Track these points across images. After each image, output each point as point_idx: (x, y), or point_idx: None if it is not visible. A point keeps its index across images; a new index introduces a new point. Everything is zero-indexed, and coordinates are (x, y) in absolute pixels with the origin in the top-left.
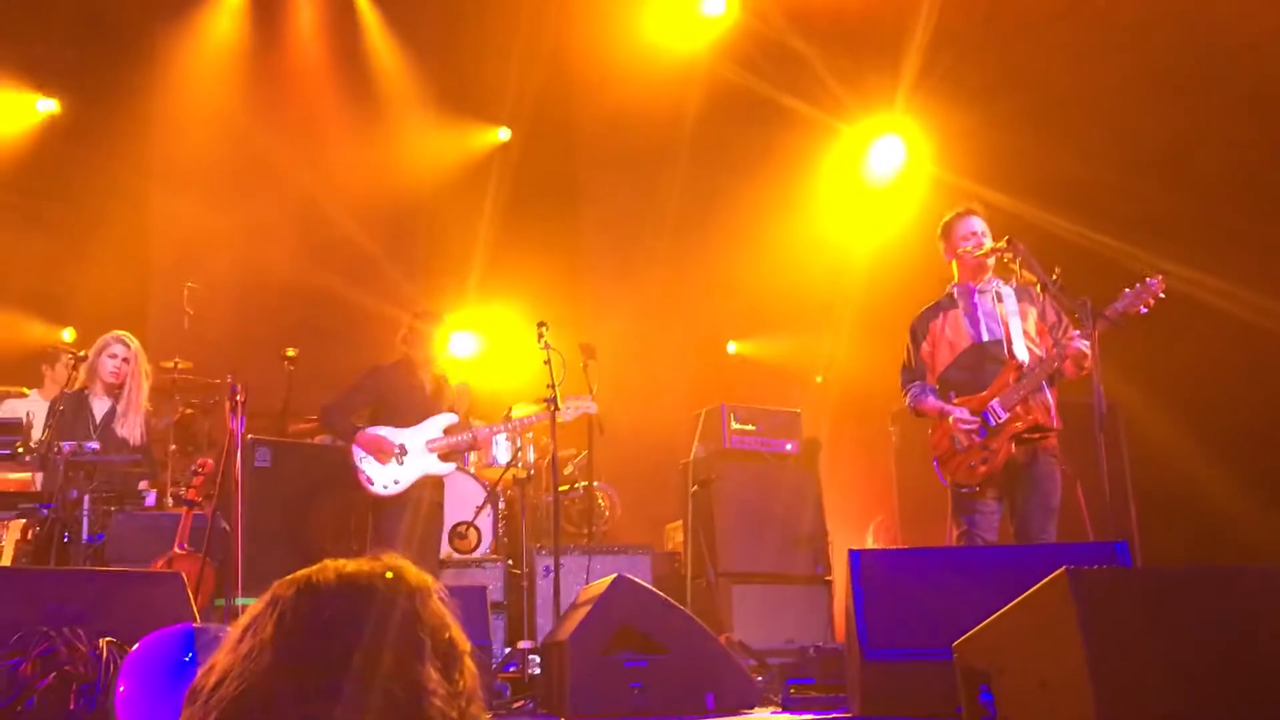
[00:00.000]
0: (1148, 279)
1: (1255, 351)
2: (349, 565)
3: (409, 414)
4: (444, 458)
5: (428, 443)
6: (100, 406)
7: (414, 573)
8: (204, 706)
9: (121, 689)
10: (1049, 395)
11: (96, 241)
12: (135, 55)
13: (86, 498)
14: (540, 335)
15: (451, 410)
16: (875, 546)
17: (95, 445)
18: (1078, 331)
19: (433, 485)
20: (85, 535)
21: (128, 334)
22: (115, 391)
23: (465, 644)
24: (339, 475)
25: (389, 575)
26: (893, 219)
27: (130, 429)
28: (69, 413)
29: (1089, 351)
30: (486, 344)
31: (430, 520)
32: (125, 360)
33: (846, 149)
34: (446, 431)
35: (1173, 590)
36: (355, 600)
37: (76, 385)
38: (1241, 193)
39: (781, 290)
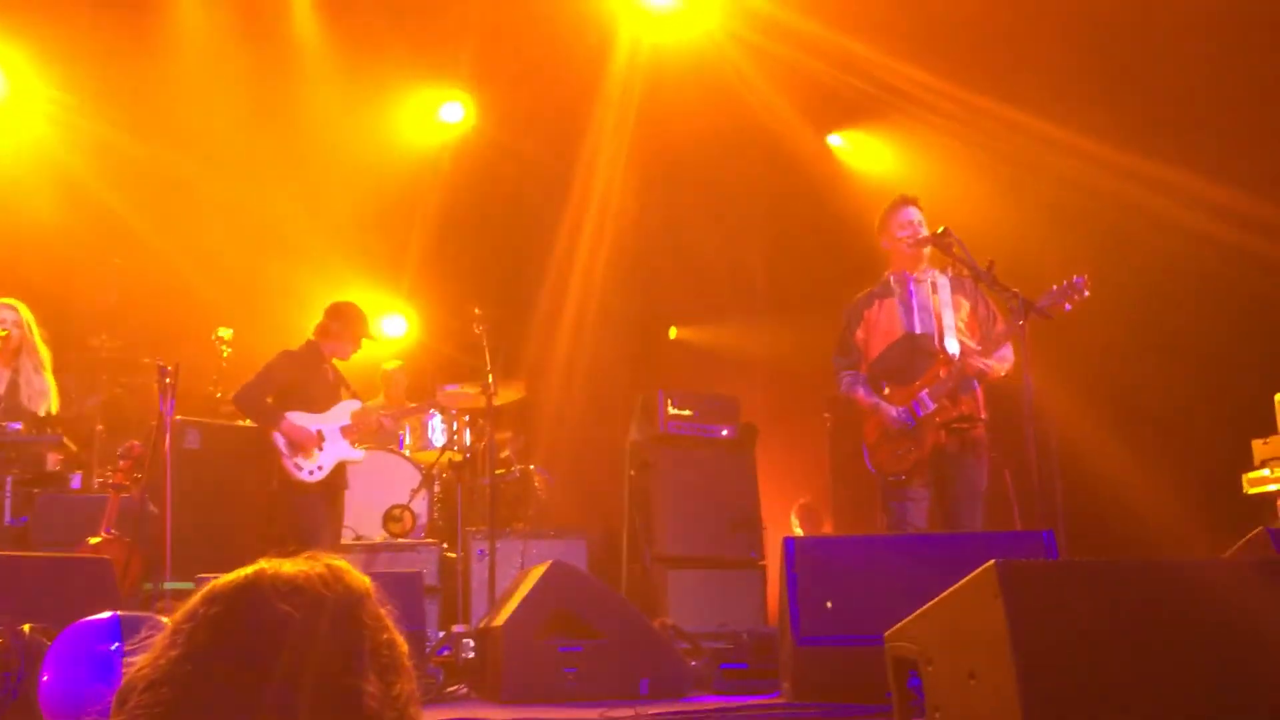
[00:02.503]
0: (1074, 277)
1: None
2: (287, 566)
3: (317, 399)
4: (356, 444)
5: (341, 429)
6: (1, 378)
7: (353, 575)
8: (134, 710)
9: (45, 678)
10: (978, 388)
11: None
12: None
13: (9, 479)
14: (476, 319)
15: (353, 396)
16: (798, 529)
17: (18, 425)
18: (994, 336)
19: (342, 470)
20: (8, 518)
21: (15, 300)
22: (11, 361)
23: (404, 646)
24: (270, 458)
25: (328, 577)
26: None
27: (36, 399)
28: None
29: (988, 370)
30: (418, 324)
31: (341, 506)
32: (16, 325)
33: None
34: (354, 418)
35: (1101, 584)
36: (295, 603)
37: None
38: None
39: (720, 276)
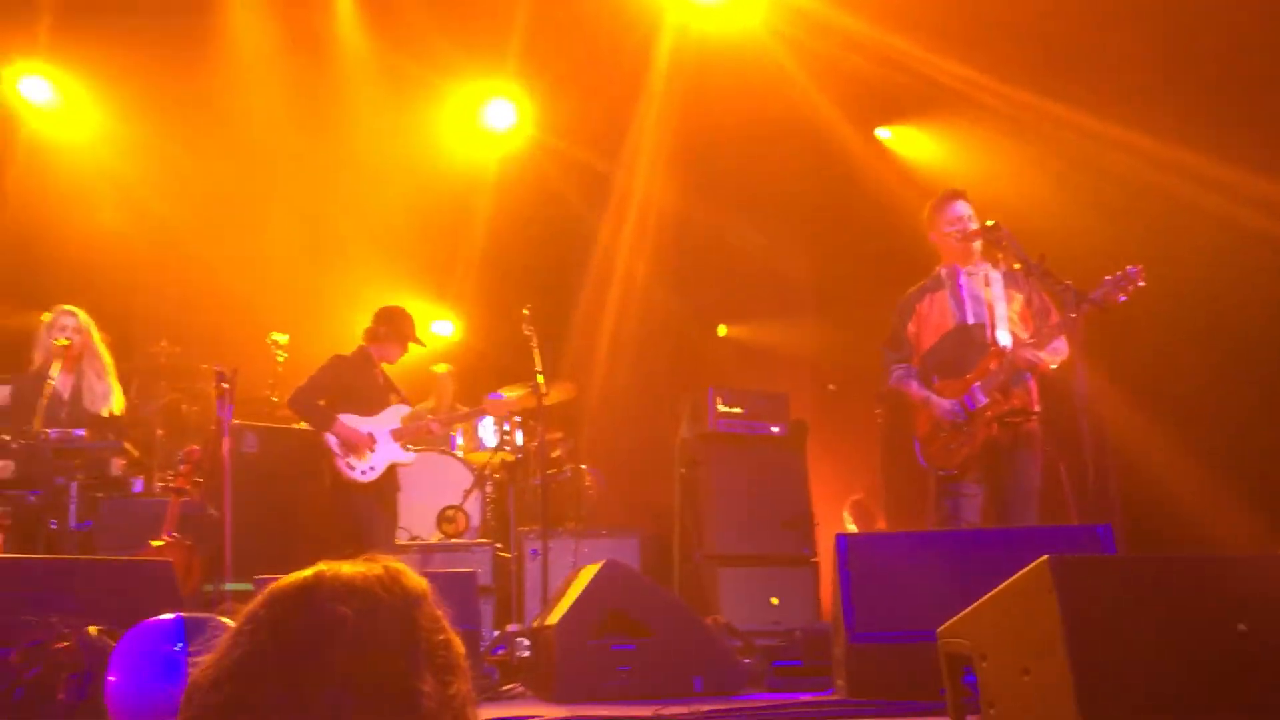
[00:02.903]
0: (1128, 268)
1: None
2: (346, 568)
3: (368, 403)
4: (406, 447)
5: (391, 432)
6: (65, 383)
7: (410, 577)
8: (199, 709)
9: (111, 679)
10: (1030, 380)
11: (79, 224)
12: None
13: (74, 485)
14: (525, 320)
15: (403, 401)
16: (851, 525)
17: (83, 432)
18: (1047, 329)
19: (394, 473)
20: (73, 522)
21: (75, 307)
22: (74, 367)
23: (460, 647)
24: (324, 460)
25: (386, 580)
26: None
27: (98, 401)
28: (30, 395)
29: (1041, 363)
30: (466, 327)
31: (393, 507)
32: (77, 331)
33: None
34: (403, 422)
35: (1156, 579)
36: (353, 605)
37: (34, 367)
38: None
39: (766, 272)
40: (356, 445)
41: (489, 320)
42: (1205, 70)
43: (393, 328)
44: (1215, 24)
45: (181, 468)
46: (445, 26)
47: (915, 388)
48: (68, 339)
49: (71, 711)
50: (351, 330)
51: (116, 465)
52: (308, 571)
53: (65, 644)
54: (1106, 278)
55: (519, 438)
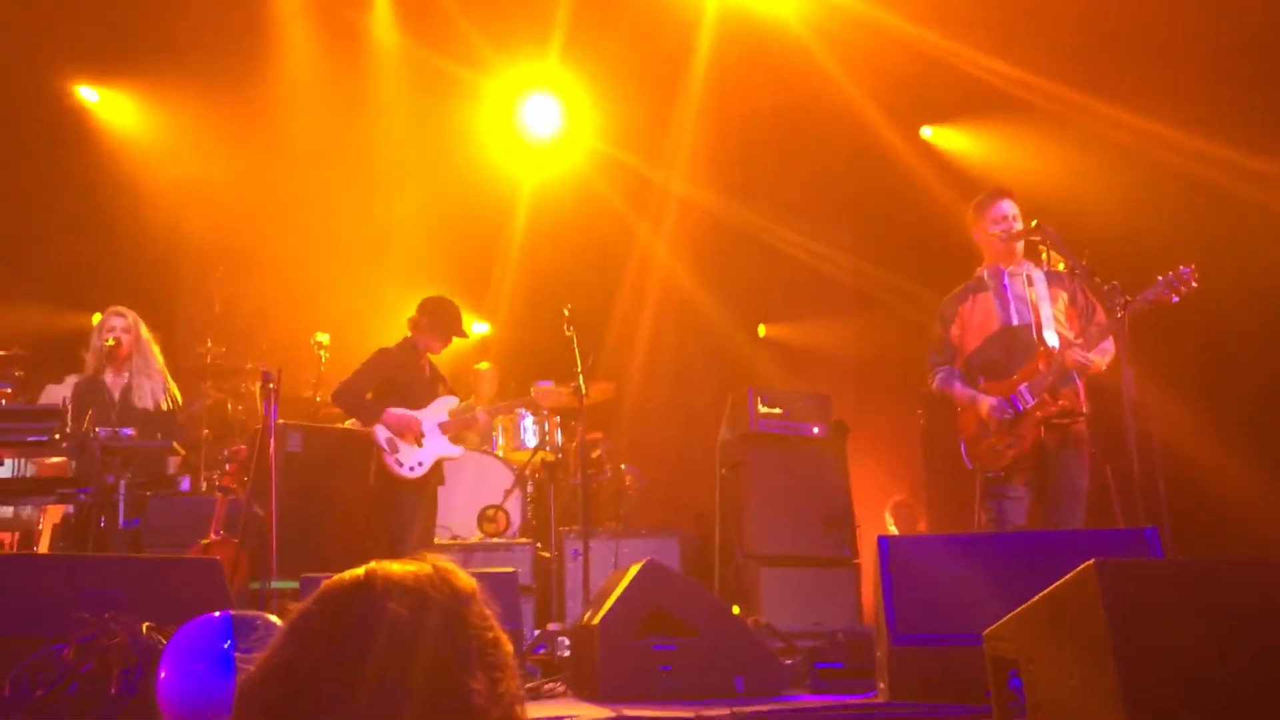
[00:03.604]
0: (1180, 268)
1: None
2: (396, 567)
3: (416, 396)
4: (454, 440)
5: (439, 425)
6: (117, 383)
7: (460, 576)
8: (253, 704)
9: (162, 675)
10: (1078, 381)
11: (127, 228)
12: (164, 44)
13: (123, 483)
14: (566, 319)
15: (450, 393)
16: (893, 527)
17: (130, 432)
18: (1095, 329)
19: (440, 467)
20: (121, 520)
21: (124, 307)
22: (124, 365)
23: (509, 646)
24: (369, 458)
25: (436, 579)
26: None
27: (147, 397)
28: (87, 396)
29: (1090, 364)
30: (506, 325)
31: (434, 504)
32: (125, 330)
33: None
34: (451, 414)
35: (1203, 584)
36: (404, 603)
37: (89, 370)
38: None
39: (807, 273)
40: (407, 430)
41: (529, 320)
42: (1256, 64)
43: (435, 318)
44: (1267, 17)
45: (228, 467)
46: (486, 26)
47: (961, 388)
48: (115, 339)
49: (123, 706)
50: (393, 330)
51: (173, 464)
52: (359, 570)
53: (118, 640)
54: (1159, 278)
55: (559, 438)
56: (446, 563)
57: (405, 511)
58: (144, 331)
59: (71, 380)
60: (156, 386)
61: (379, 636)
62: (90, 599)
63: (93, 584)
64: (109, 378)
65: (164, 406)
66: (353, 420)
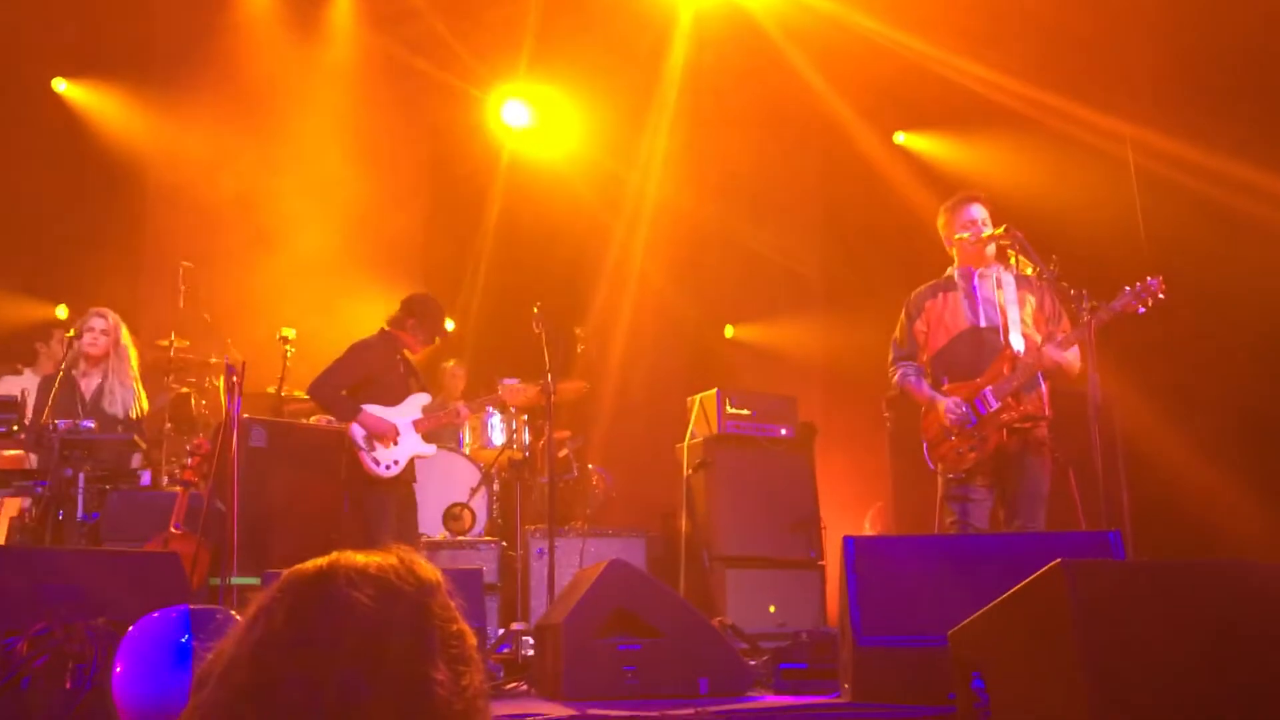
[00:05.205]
0: (1148, 279)
1: (1247, 340)
2: (360, 556)
3: (391, 392)
4: (426, 438)
5: (413, 422)
6: (89, 383)
7: (426, 566)
8: (212, 693)
9: (118, 669)
10: (1043, 385)
11: (90, 219)
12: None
13: (81, 476)
14: (535, 317)
15: (423, 389)
16: (872, 533)
17: (90, 424)
18: (1062, 336)
19: (412, 465)
20: (80, 514)
21: (107, 309)
22: (100, 366)
23: (473, 639)
24: (333, 455)
25: (400, 568)
26: None
27: (118, 404)
28: (58, 391)
29: (1065, 363)
30: (475, 323)
31: (411, 502)
32: (104, 333)
33: None
34: (425, 411)
35: (1169, 585)
36: (367, 592)
37: (64, 364)
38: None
39: (776, 275)
40: (384, 435)
41: (498, 318)
42: (1232, 72)
43: (422, 318)
44: (1244, 25)
45: (190, 461)
46: (458, 27)
47: (920, 386)
48: (94, 339)
49: (78, 700)
50: (360, 327)
51: (137, 459)
52: (323, 559)
53: (73, 634)
54: (1126, 288)
55: (526, 436)
56: (412, 553)
57: (381, 509)
58: (124, 335)
59: (29, 373)
60: (128, 395)
61: (342, 624)
62: (46, 593)
63: (49, 578)
64: (81, 378)
65: (133, 415)
66: (319, 415)
